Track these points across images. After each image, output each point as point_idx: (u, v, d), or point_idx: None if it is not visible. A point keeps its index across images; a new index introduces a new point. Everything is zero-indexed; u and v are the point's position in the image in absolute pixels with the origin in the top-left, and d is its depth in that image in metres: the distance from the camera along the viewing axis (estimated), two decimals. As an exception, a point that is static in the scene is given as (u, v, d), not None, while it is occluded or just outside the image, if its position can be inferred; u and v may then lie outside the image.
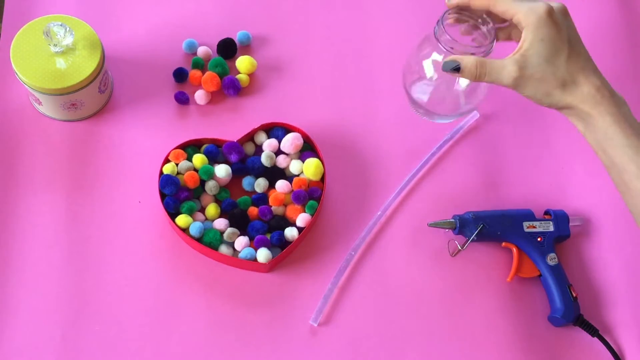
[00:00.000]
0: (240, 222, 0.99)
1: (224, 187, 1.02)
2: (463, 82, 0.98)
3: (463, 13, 0.92)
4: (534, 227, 1.00)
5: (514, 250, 1.00)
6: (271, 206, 1.00)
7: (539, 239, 0.99)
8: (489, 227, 0.99)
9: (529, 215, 1.01)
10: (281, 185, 1.00)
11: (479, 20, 0.93)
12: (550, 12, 0.85)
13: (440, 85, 1.00)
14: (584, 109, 0.85)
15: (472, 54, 0.90)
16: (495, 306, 0.99)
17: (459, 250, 1.00)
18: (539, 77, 0.85)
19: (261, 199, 1.01)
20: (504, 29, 0.93)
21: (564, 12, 0.88)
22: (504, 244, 1.00)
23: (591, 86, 0.85)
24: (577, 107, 0.86)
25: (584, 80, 0.85)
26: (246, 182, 1.02)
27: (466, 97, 1.01)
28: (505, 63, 0.86)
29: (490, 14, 0.91)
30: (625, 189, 0.86)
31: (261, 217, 0.99)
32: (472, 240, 0.99)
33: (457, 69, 0.88)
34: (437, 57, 0.95)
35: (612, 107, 0.85)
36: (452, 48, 0.91)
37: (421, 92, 1.02)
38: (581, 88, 0.85)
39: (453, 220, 1.00)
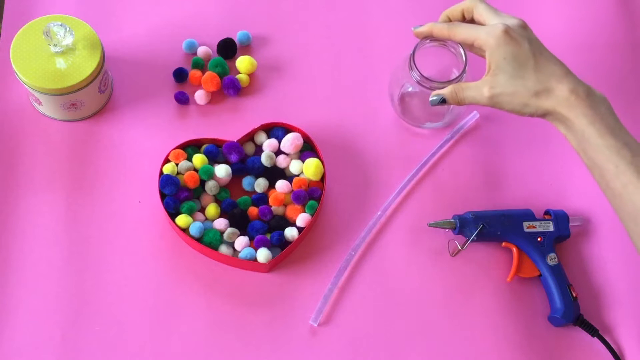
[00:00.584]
0: (240, 222, 0.99)
1: (224, 187, 1.02)
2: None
3: (434, 39, 0.98)
4: (534, 227, 1.00)
5: (514, 250, 1.00)
6: (271, 206, 1.00)
7: (539, 239, 0.99)
8: (489, 227, 0.99)
9: (529, 215, 1.01)
10: (281, 185, 1.00)
11: (450, 44, 0.98)
12: (507, 31, 0.89)
13: (422, 99, 1.05)
14: (561, 112, 0.88)
15: (440, 88, 0.96)
16: (495, 306, 0.99)
17: (459, 250, 1.00)
18: (511, 92, 0.89)
19: (261, 199, 1.01)
20: (470, 47, 0.97)
21: (523, 26, 0.91)
22: (504, 244, 1.00)
23: (564, 90, 0.87)
24: (554, 111, 0.88)
25: (556, 84, 0.88)
26: (246, 182, 1.02)
27: (447, 108, 1.05)
28: (478, 85, 0.91)
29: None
30: (607, 187, 0.88)
31: (261, 217, 0.99)
32: (472, 240, 0.99)
33: (443, 101, 0.93)
34: (414, 78, 1.00)
35: (586, 109, 0.87)
36: (422, 84, 0.98)
37: (404, 103, 1.06)
38: (554, 93, 0.88)
39: (453, 220, 1.00)
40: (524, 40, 0.89)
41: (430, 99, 0.94)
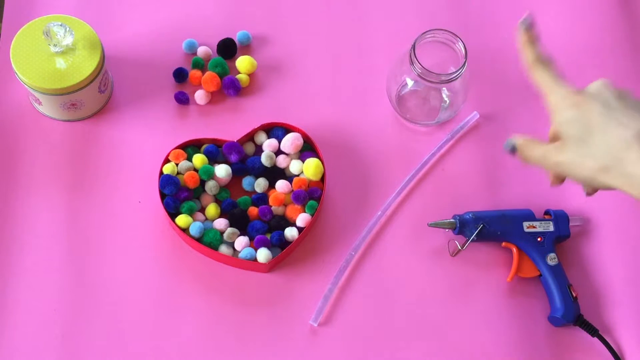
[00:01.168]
0: (240, 222, 0.99)
1: (224, 187, 1.02)
2: (444, 94, 1.06)
3: (436, 32, 0.99)
4: (534, 227, 1.00)
5: (514, 250, 1.00)
6: (271, 206, 1.00)
7: (539, 239, 0.99)
8: (489, 227, 0.99)
9: (529, 216, 1.01)
10: (281, 185, 1.00)
11: (451, 38, 0.99)
12: (576, 94, 0.78)
13: (420, 96, 1.06)
14: (628, 191, 0.74)
15: (443, 80, 0.98)
16: (495, 306, 0.99)
17: (459, 250, 1.00)
18: (578, 162, 0.77)
19: (261, 199, 1.01)
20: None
21: (602, 86, 0.78)
22: (503, 244, 1.00)
23: (633, 159, 0.72)
24: (622, 189, 0.75)
25: (625, 153, 0.73)
26: (246, 182, 1.02)
27: (444, 106, 1.06)
28: (548, 150, 0.80)
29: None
30: None
31: (261, 217, 0.99)
32: (472, 240, 0.99)
33: (514, 149, 0.83)
34: (415, 71, 1.00)
35: None
36: (423, 76, 0.99)
37: (402, 100, 1.07)
38: (623, 166, 0.73)
39: (453, 220, 1.00)
40: (595, 103, 0.76)
41: (504, 144, 0.84)
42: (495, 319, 0.99)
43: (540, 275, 0.99)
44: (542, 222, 1.00)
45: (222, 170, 0.99)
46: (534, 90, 1.10)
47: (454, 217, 1.01)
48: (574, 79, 1.11)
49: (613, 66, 1.13)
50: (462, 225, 1.00)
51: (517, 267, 0.99)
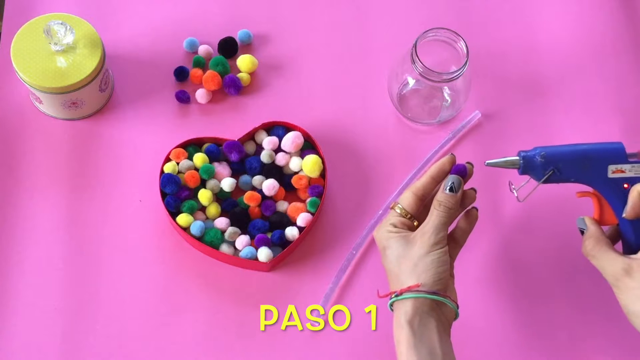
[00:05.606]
0: (241, 221, 0.99)
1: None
2: (445, 93, 1.06)
3: (437, 31, 0.99)
4: (622, 171, 0.83)
5: (594, 198, 0.86)
6: (276, 201, 1.00)
7: (625, 186, 0.83)
8: (561, 173, 0.84)
9: (618, 155, 0.83)
10: (273, 183, 1.00)
11: (453, 37, 0.99)
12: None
13: (421, 95, 1.06)
14: None
15: (444, 79, 0.97)
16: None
17: (519, 198, 0.86)
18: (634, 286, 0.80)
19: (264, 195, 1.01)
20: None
21: None
22: (578, 194, 0.87)
23: None
24: None
25: None
26: (242, 181, 1.01)
27: (445, 105, 1.06)
28: (616, 261, 0.82)
29: None
30: None
31: (263, 212, 0.99)
32: (538, 186, 0.85)
33: (582, 232, 0.86)
34: (416, 70, 1.00)
35: None
36: (425, 75, 0.98)
37: (404, 99, 1.07)
38: None
39: (517, 158, 0.85)
40: None
41: (577, 220, 0.86)
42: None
43: (618, 224, 0.86)
44: (635, 165, 0.83)
45: (226, 184, 0.99)
46: (535, 89, 1.11)
47: (519, 153, 0.85)
48: (575, 79, 1.12)
49: (614, 66, 1.13)
50: (528, 167, 0.84)
51: (599, 215, 0.86)
